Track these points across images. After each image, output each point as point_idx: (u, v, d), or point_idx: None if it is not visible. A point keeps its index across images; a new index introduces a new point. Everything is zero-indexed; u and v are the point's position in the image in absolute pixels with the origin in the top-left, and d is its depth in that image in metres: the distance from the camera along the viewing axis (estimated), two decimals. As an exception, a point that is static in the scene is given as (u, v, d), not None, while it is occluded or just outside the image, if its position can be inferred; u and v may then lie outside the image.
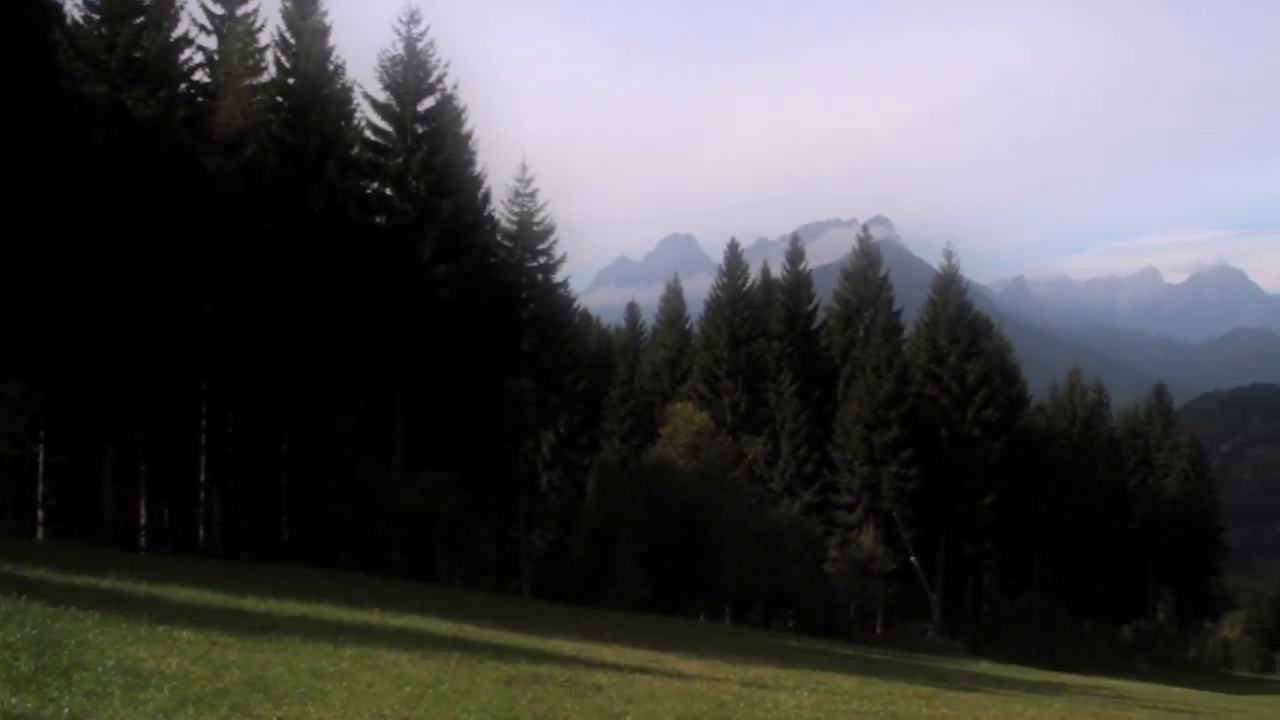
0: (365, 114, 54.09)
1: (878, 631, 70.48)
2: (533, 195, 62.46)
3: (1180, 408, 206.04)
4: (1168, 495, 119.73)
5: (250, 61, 51.04)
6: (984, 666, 50.98)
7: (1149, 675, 75.63)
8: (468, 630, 24.83)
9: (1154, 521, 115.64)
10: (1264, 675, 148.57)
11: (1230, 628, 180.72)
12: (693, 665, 24.54)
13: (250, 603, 23.14)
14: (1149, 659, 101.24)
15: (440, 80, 54.25)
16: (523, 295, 61.84)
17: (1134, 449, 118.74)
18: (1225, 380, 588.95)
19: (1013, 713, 23.53)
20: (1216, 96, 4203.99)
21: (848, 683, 25.50)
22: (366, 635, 20.09)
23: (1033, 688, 35.37)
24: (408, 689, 14.74)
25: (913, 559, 72.68)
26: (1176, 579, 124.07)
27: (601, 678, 18.97)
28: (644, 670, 21.72)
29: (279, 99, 51.49)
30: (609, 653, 24.85)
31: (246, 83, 50.07)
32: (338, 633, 19.52)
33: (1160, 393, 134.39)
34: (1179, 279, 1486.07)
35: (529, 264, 62.45)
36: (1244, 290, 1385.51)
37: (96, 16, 44.24)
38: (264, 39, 52.04)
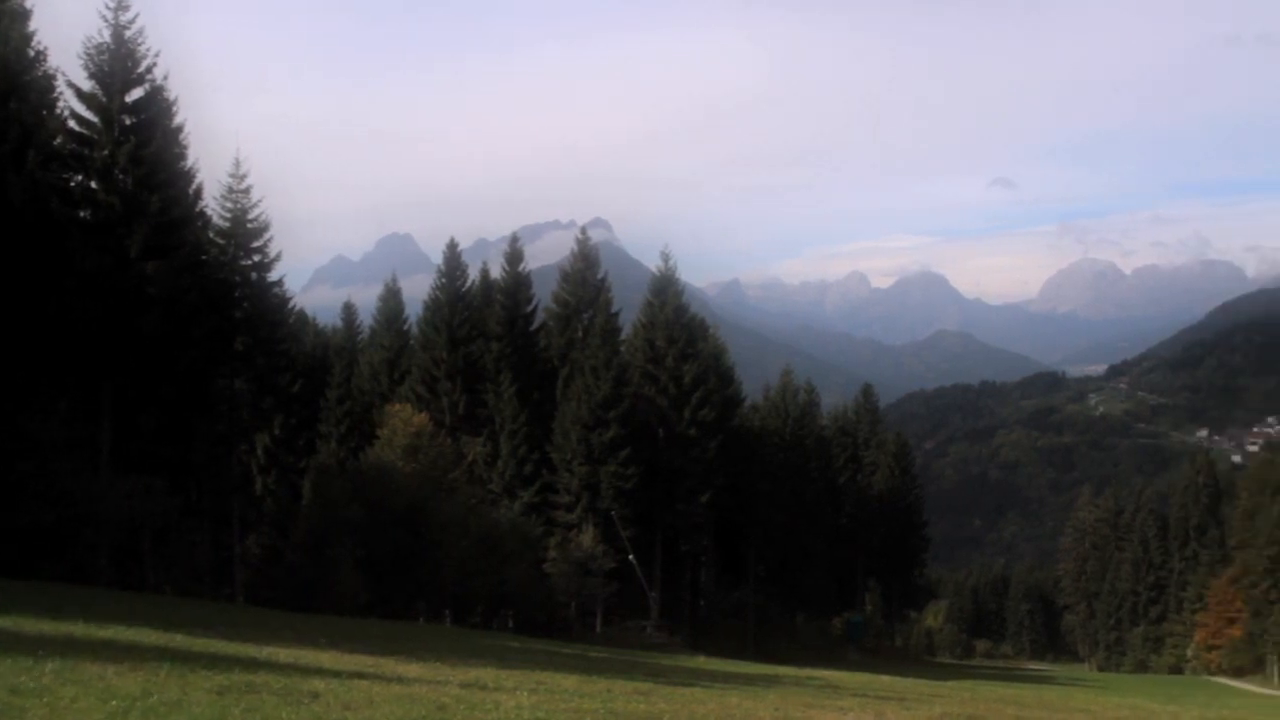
0: (69, 103, 51.67)
1: (598, 630, 71.00)
2: (246, 191, 61.09)
3: (887, 407, 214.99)
4: (875, 491, 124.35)
5: (-58, 45, 48.38)
6: (701, 661, 51.84)
7: (858, 665, 78.27)
8: (178, 639, 24.04)
9: (862, 517, 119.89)
10: (964, 661, 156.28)
11: (933, 616, 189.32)
12: (412, 668, 24.28)
13: (-59, 617, 21.96)
14: (858, 649, 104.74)
15: (150, 70, 52.27)
16: (236, 294, 60.44)
17: (843, 446, 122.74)
18: (928, 380, 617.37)
19: (729, 705, 23.94)
20: (922, 111, 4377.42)
21: (568, 681, 25.59)
22: (70, 648, 19.24)
23: (749, 680, 36.13)
24: (113, 703, 14.17)
25: (631, 557, 73.46)
26: (883, 572, 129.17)
27: (318, 684, 18.59)
28: (362, 675, 21.40)
29: (-26, 85, 48.94)
30: (326, 659, 24.40)
31: (-63, 67, 47.46)
32: (38, 646, 18.62)
33: (867, 392, 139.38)
34: (885, 283, 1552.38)
35: (242, 262, 61.02)
36: (945, 295, 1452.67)
37: None
38: (-43, 22, 49.40)
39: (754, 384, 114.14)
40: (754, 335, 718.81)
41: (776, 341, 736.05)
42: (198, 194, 56.73)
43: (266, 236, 61.52)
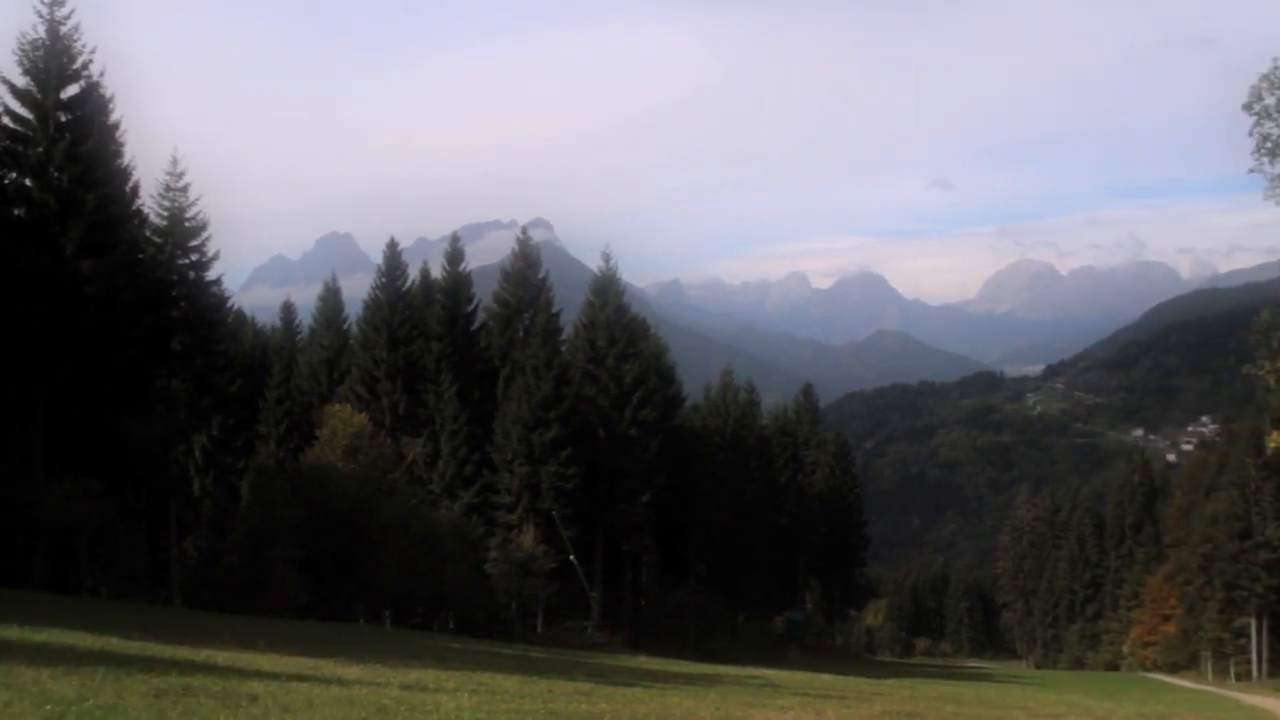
0: (3, 99, 51.00)
1: (539, 630, 70.84)
2: (184, 190, 60.57)
3: (827, 406, 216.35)
4: (815, 490, 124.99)
5: (-128, 41, 47.67)
6: (642, 661, 51.86)
7: (799, 663, 78.51)
8: (115, 642, 23.78)
9: (802, 516, 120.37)
10: (904, 659, 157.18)
11: (874, 615, 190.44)
12: (352, 670, 24.13)
13: (-128, 621, 21.62)
14: (799, 648, 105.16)
15: (86, 66, 51.75)
16: (174, 293, 59.96)
17: (784, 446, 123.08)
18: (868, 380, 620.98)
19: (670, 705, 23.94)
20: (861, 112, 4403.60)
21: (508, 682, 25.52)
22: (3, 652, 19.00)
23: (689, 680, 36.13)
24: (48, 707, 13.99)
25: (572, 557, 73.41)
26: (823, 570, 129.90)
27: (257, 687, 18.44)
28: (301, 678, 21.24)
29: (-95, 82, 48.30)
30: (265, 661, 24.22)
31: None
32: (-29, 650, 18.41)
33: (808, 392, 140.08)
34: (825, 284, 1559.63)
35: (180, 261, 60.53)
36: (884, 295, 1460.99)
37: None
38: (-112, 17, 48.74)
39: (695, 384, 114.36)
40: (695, 335, 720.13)
41: (717, 341, 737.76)
42: (134, 192, 56.23)
43: (204, 235, 61.10)
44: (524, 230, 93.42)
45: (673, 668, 46.58)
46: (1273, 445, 36.67)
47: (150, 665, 19.72)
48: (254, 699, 16.93)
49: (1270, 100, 31.30)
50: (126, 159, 54.49)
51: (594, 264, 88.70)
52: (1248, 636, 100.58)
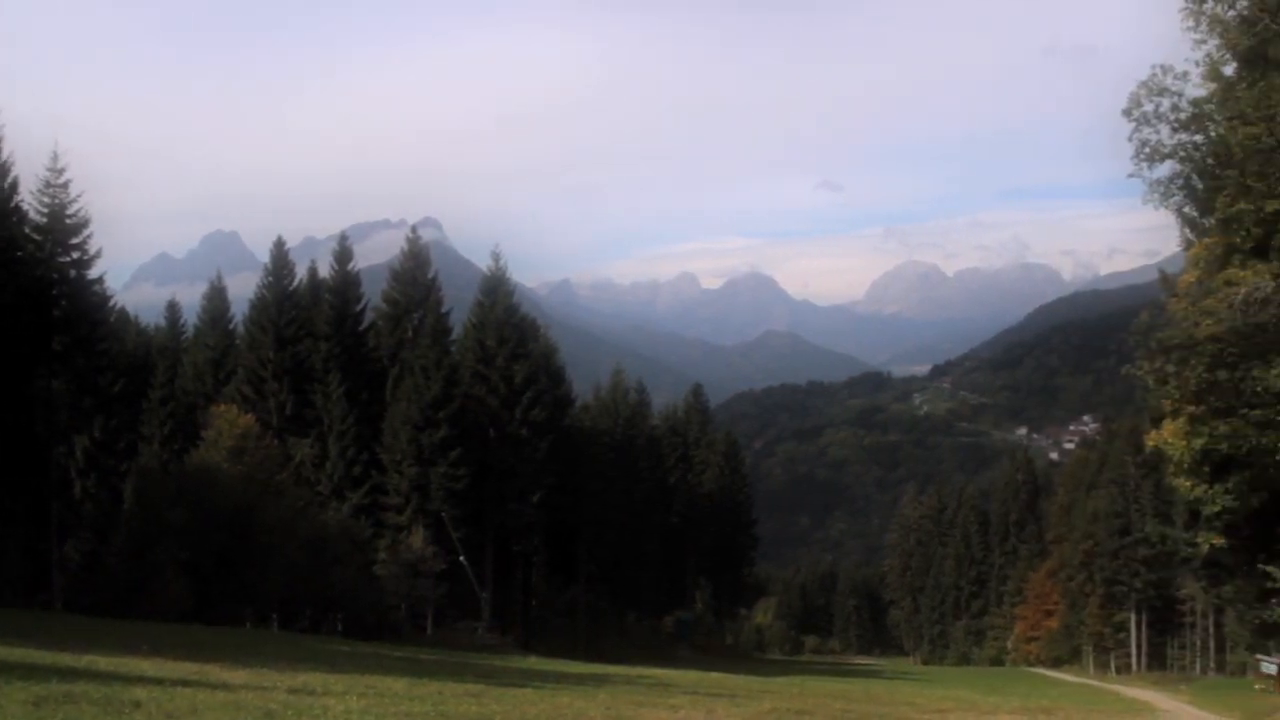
0: (-125, 94, 49.92)
1: (429, 632, 70.47)
2: (65, 186, 59.29)
3: (716, 406, 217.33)
4: (705, 490, 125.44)
5: None
6: (533, 661, 51.87)
7: (690, 662, 78.87)
8: (-8, 649, 23.32)
9: (692, 515, 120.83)
10: (794, 657, 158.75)
11: (763, 614, 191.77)
12: (238, 675, 23.86)
13: None
14: (689, 647, 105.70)
15: (-39, 61, 50.73)
16: (54, 291, 58.76)
17: (674, 446, 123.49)
18: (757, 380, 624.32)
19: (560, 705, 23.97)
20: (753, 113, 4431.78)
21: (398, 684, 25.40)
22: (-125, 660, 18.55)
23: (580, 680, 36.21)
24: (-78, 717, 13.68)
25: (462, 558, 73.09)
26: (713, 570, 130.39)
27: (140, 693, 18.15)
28: (186, 683, 20.95)
29: None
30: (148, 666, 23.87)
31: None
32: None
33: (697, 392, 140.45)
34: (715, 284, 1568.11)
35: (61, 258, 59.31)
36: (774, 296, 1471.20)
37: None
38: None
39: (585, 384, 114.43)
40: (585, 335, 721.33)
41: (608, 341, 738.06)
42: (13, 188, 55.27)
43: (86, 232, 59.91)
44: (413, 229, 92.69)
45: (563, 668, 46.66)
46: (1151, 444, 37.54)
47: (30, 672, 19.36)
48: (137, 705, 16.69)
49: (1149, 107, 32.13)
50: (4, 154, 53.58)
51: (484, 264, 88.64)
52: (1127, 631, 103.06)
